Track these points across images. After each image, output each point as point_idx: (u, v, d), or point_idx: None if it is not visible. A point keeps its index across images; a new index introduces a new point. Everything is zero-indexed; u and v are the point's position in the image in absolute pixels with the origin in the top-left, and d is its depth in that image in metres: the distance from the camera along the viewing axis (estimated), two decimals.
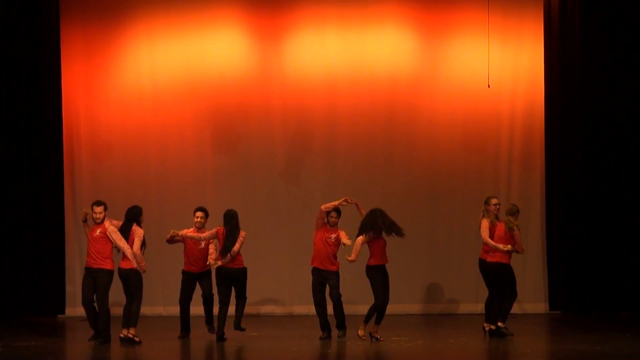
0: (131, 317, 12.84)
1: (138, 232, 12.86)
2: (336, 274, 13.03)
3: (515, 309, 15.25)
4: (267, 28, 16.28)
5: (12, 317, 15.64)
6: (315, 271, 13.09)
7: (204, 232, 13.20)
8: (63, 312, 15.95)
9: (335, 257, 13.04)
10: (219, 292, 13.09)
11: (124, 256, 12.80)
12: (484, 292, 13.59)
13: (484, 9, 15.38)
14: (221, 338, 12.96)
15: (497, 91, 15.98)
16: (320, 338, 12.96)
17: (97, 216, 12.86)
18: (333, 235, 12.99)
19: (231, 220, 13.04)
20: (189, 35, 16.25)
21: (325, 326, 13.08)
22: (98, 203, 12.97)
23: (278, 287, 16.10)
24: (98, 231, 12.81)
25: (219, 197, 16.01)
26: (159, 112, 16.28)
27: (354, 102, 16.23)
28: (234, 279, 13.00)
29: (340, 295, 12.99)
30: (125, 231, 12.89)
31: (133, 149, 16.28)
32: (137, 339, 12.75)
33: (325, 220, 13.06)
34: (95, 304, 12.87)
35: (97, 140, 16.31)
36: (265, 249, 15.71)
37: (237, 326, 13.09)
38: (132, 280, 12.83)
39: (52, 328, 14.98)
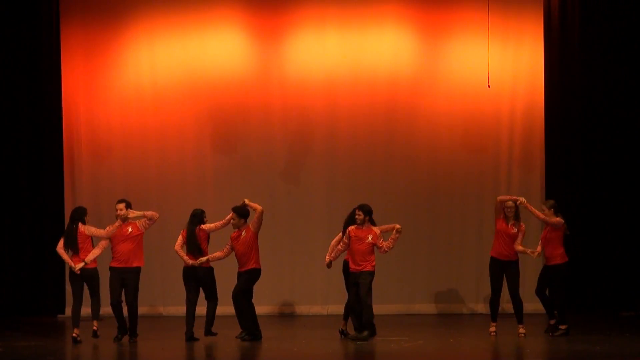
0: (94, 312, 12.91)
1: (89, 229, 12.75)
2: (370, 273, 12.73)
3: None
4: (267, 28, 16.28)
5: (12, 317, 15.65)
6: (351, 273, 12.85)
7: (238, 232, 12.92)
8: (63, 312, 15.94)
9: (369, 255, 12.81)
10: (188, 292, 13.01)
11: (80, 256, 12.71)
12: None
13: (484, 9, 15.37)
14: (192, 338, 12.88)
15: (497, 91, 15.98)
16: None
17: (120, 213, 12.75)
18: (370, 236, 12.73)
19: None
20: (189, 35, 16.26)
21: (356, 327, 12.90)
22: (120, 201, 12.84)
23: (278, 288, 16.10)
24: (130, 229, 12.72)
25: (219, 197, 16.02)
26: (159, 112, 16.28)
27: (354, 102, 16.23)
28: (200, 278, 12.89)
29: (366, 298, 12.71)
30: (70, 232, 12.73)
31: (133, 149, 16.29)
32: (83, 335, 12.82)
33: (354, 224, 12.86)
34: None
35: (97, 140, 16.31)
36: (265, 249, 15.67)
37: (209, 332, 12.94)
38: (94, 280, 12.82)
39: (52, 328, 14.97)
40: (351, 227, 12.78)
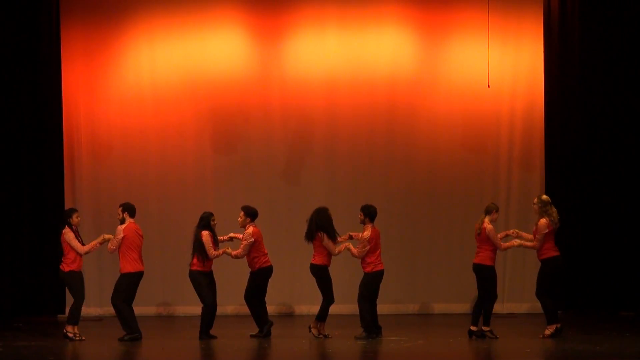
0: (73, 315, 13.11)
1: (68, 234, 13.06)
2: (364, 275, 13.04)
3: (514, 308, 15.28)
4: (267, 28, 16.28)
5: (12, 317, 15.64)
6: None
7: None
8: (63, 312, 15.90)
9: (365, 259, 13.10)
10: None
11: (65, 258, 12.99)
12: None
13: (484, 9, 15.38)
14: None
15: (497, 91, 15.99)
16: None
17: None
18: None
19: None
20: (189, 35, 16.26)
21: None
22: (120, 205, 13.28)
23: (278, 287, 16.05)
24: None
25: (219, 197, 16.03)
26: (159, 112, 16.29)
27: (354, 102, 16.23)
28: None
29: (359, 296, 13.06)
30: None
31: (133, 149, 16.29)
32: (77, 337, 12.98)
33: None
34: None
35: (97, 140, 16.32)
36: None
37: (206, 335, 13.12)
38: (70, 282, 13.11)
39: (52, 328, 14.97)
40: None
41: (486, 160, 16.26)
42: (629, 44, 15.77)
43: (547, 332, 12.79)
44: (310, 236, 13.15)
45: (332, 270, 13.28)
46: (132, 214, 13.09)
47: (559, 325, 12.85)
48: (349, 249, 13.06)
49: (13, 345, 12.67)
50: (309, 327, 13.07)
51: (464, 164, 16.23)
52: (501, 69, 16.09)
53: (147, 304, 15.69)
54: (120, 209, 13.09)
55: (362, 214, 13.08)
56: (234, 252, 13.13)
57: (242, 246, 13.13)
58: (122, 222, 13.02)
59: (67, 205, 15.87)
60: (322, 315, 13.07)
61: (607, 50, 15.81)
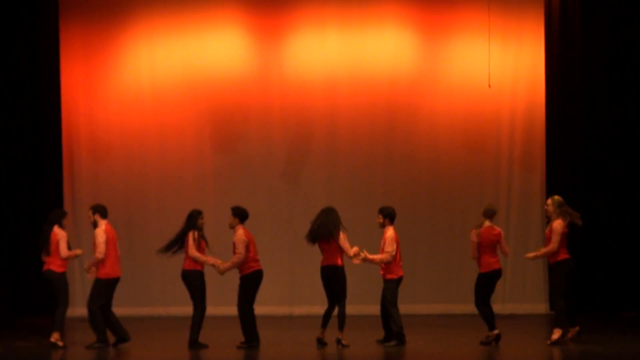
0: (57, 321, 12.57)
1: (61, 234, 12.47)
2: (386, 281, 12.53)
3: (515, 309, 15.25)
4: (267, 28, 16.29)
5: (12, 317, 15.63)
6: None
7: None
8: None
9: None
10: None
11: (50, 259, 12.42)
12: None
13: (484, 9, 15.39)
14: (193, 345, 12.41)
15: (497, 91, 15.99)
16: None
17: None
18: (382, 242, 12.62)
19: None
20: (188, 35, 16.27)
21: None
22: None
23: (278, 288, 16.09)
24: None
25: (219, 197, 16.02)
26: (159, 112, 16.29)
27: (354, 102, 16.23)
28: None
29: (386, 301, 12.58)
30: (46, 235, 12.48)
31: (133, 149, 16.29)
32: (60, 344, 12.45)
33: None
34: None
35: (97, 140, 16.32)
36: (265, 249, 15.67)
37: (195, 343, 12.34)
38: (58, 284, 12.49)
39: (52, 328, 14.93)
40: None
41: (487, 160, 16.26)
42: (630, 44, 15.78)
43: (554, 336, 12.17)
44: (329, 236, 12.35)
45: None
46: (104, 216, 12.47)
47: (565, 330, 12.31)
48: (364, 258, 12.35)
49: (13, 345, 12.66)
50: (338, 340, 12.41)
51: (465, 164, 16.22)
52: (502, 68, 16.09)
53: (147, 304, 15.68)
54: (91, 211, 12.47)
55: (381, 216, 12.54)
56: (225, 264, 12.32)
57: (238, 249, 12.20)
58: (95, 225, 12.38)
59: (67, 204, 15.88)
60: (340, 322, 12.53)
61: (608, 49, 15.81)
